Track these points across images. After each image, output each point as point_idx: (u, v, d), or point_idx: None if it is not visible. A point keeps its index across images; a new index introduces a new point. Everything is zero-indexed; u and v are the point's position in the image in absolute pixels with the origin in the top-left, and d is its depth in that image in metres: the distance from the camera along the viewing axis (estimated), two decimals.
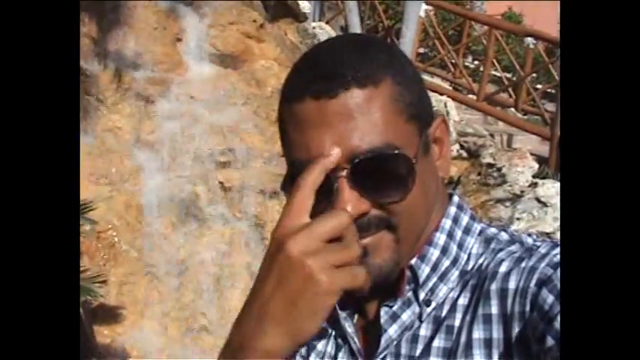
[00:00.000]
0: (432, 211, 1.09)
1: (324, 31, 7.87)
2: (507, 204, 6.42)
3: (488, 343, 1.00)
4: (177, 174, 6.00)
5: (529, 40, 8.59)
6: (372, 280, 1.03)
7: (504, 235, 1.10)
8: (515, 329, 0.97)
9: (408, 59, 1.16)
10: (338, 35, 1.31)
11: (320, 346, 1.17)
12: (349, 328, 1.12)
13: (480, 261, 1.07)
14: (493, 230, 1.11)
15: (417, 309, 1.07)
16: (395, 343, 1.07)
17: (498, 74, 10.05)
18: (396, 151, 1.02)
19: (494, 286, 1.00)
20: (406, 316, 1.08)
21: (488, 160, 6.73)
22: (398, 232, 1.05)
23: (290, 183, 1.04)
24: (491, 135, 7.80)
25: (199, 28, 7.02)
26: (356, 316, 1.13)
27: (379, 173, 1.02)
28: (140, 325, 5.18)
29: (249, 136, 6.45)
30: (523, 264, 0.99)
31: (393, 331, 1.08)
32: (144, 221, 5.60)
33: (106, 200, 5.52)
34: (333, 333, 1.15)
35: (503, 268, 1.02)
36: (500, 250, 1.05)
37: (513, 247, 1.05)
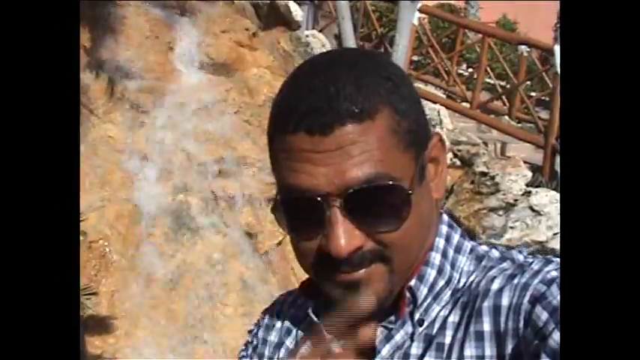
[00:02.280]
0: (428, 236, 1.07)
1: (317, 40, 7.86)
2: (501, 212, 6.41)
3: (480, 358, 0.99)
4: (169, 183, 5.98)
5: (523, 47, 8.59)
6: (364, 311, 1.02)
7: (495, 253, 1.09)
8: (509, 346, 0.96)
9: (406, 78, 1.11)
10: (333, 53, 1.25)
11: None
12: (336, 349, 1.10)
13: (471, 279, 1.06)
14: (484, 248, 1.10)
15: (411, 329, 1.06)
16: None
17: (492, 82, 10.06)
18: (391, 182, 0.99)
19: (486, 304, 0.99)
20: (399, 337, 1.06)
21: (481, 168, 6.72)
22: (392, 264, 1.03)
23: (281, 207, 1.03)
24: (485, 143, 7.79)
25: (192, 36, 7.01)
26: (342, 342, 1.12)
27: (373, 204, 1.00)
28: (132, 336, 5.15)
29: (242, 145, 6.44)
30: (515, 280, 0.98)
31: (385, 351, 1.06)
32: (135, 231, 5.57)
33: (97, 210, 5.50)
34: None
35: (495, 286, 1.00)
36: (492, 267, 1.04)
37: (505, 265, 1.04)
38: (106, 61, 6.56)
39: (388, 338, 1.06)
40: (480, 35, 8.97)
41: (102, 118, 6.24)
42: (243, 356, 1.29)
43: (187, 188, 6.01)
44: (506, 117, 8.91)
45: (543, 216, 6.33)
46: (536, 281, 0.96)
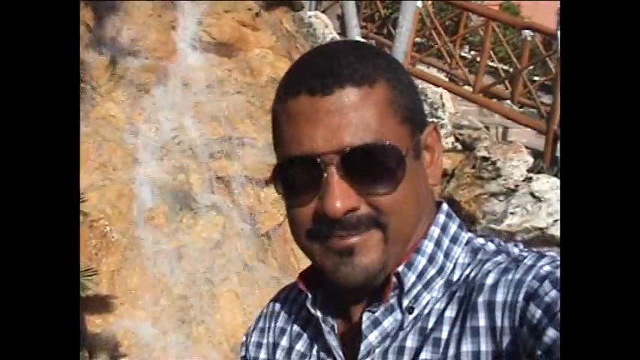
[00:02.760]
0: (422, 216, 1.08)
1: (320, 20, 7.82)
2: (501, 198, 6.39)
3: (476, 356, 0.99)
4: (170, 163, 5.97)
5: (526, 32, 8.55)
6: (357, 282, 1.03)
7: (491, 246, 1.09)
8: (505, 343, 0.97)
9: (404, 67, 1.17)
10: (336, 41, 1.32)
11: None
12: (333, 342, 1.11)
13: (467, 272, 1.06)
14: (480, 240, 1.11)
15: (400, 316, 1.06)
16: (379, 353, 1.07)
17: (495, 65, 10.01)
18: (387, 143, 1.02)
19: (481, 299, 1.00)
20: (388, 323, 1.07)
21: (483, 153, 6.70)
22: (387, 231, 1.04)
23: (279, 178, 1.06)
24: (487, 127, 7.77)
25: (194, 15, 6.98)
26: (336, 325, 1.12)
27: (369, 165, 1.01)
28: (132, 315, 5.16)
29: (243, 126, 6.42)
30: (510, 276, 0.99)
31: (373, 337, 1.07)
32: (136, 210, 5.58)
33: (98, 189, 5.49)
34: (316, 348, 1.15)
35: (489, 280, 1.01)
36: (487, 260, 1.05)
37: (499, 258, 1.05)
38: (108, 40, 6.53)
39: (375, 324, 1.07)
40: (484, 18, 8.93)
41: (104, 97, 6.23)
42: (242, 358, 1.31)
43: (188, 168, 6.00)
44: (509, 101, 8.87)
45: (544, 202, 6.32)
46: (529, 277, 0.97)
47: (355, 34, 8.27)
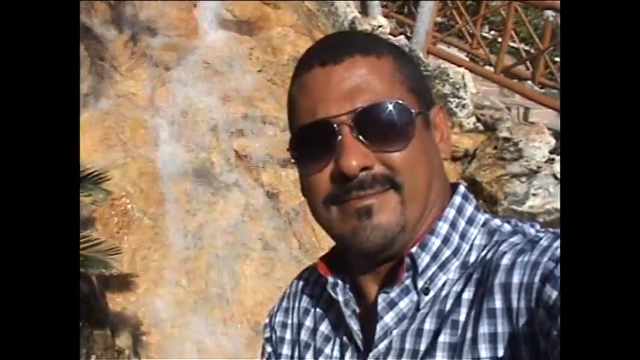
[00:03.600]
0: (436, 183, 1.10)
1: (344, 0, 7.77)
2: (523, 179, 6.36)
3: (493, 338, 0.99)
4: (192, 141, 5.96)
5: (549, 12, 8.46)
6: (377, 244, 1.04)
7: (507, 227, 1.11)
8: (521, 324, 0.97)
9: (410, 56, 1.22)
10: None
11: (327, 349, 1.18)
12: (355, 325, 1.12)
13: (483, 253, 1.07)
14: (497, 222, 1.12)
15: (415, 297, 1.08)
16: (398, 335, 1.07)
17: (515, 46, 9.93)
18: (396, 101, 1.07)
19: (497, 280, 1.01)
20: (403, 304, 1.09)
21: (504, 134, 6.65)
22: (403, 192, 1.07)
23: (295, 148, 1.11)
24: (508, 108, 7.71)
25: None
26: (357, 310, 1.13)
27: (380, 123, 1.06)
28: (153, 294, 5.18)
29: (265, 104, 6.40)
30: (526, 257, 0.99)
31: (389, 318, 1.09)
32: (158, 189, 5.58)
33: (120, 167, 5.49)
34: (339, 331, 1.16)
35: (505, 261, 1.01)
36: (503, 242, 1.05)
37: (515, 239, 1.06)
38: (129, 17, 6.51)
39: (391, 305, 1.08)
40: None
41: (125, 75, 6.22)
42: (267, 339, 1.31)
43: (210, 147, 6.00)
44: (529, 82, 8.81)
45: None
46: (545, 259, 0.97)
47: (377, 13, 8.22)
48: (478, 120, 7.05)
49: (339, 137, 1.05)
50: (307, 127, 1.08)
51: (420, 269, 1.08)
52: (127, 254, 5.14)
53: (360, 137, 1.05)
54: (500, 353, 0.98)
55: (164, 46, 6.47)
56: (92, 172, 4.31)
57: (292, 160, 1.13)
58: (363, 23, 7.48)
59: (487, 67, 8.62)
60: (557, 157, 6.36)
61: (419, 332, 1.06)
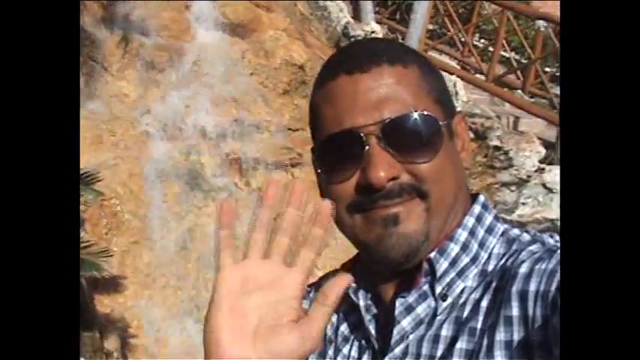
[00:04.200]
0: (460, 194, 1.10)
1: (335, 4, 7.76)
2: (513, 188, 6.39)
3: (509, 345, 0.98)
4: (182, 144, 5.93)
5: (540, 22, 8.50)
6: (401, 253, 1.03)
7: (526, 236, 1.10)
8: (537, 332, 0.97)
9: (432, 63, 1.22)
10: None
11: (345, 349, 1.17)
12: (373, 330, 1.11)
13: (502, 262, 1.07)
14: (516, 231, 1.12)
15: (433, 303, 1.08)
16: (414, 340, 1.07)
17: (507, 55, 9.96)
18: (424, 112, 1.06)
19: (514, 288, 1.00)
20: (421, 309, 1.08)
21: (495, 142, 6.69)
22: (429, 200, 1.05)
23: (320, 157, 1.10)
24: (498, 117, 7.74)
25: None
26: (377, 315, 1.13)
27: (408, 135, 1.05)
28: (141, 296, 5.14)
29: (256, 108, 6.38)
30: (543, 265, 0.99)
31: (406, 323, 1.09)
32: (147, 191, 5.54)
33: (110, 168, 5.45)
34: (357, 334, 1.16)
35: (523, 269, 1.01)
36: (522, 250, 1.05)
37: (534, 247, 1.05)
38: (120, 17, 6.48)
39: (409, 310, 1.08)
40: (496, 7, 8.87)
41: (116, 75, 6.18)
42: None
43: (200, 149, 5.97)
44: (520, 91, 8.84)
45: (555, 194, 6.32)
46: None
47: (370, 19, 8.22)
48: (469, 128, 7.07)
49: (367, 148, 1.04)
50: (333, 136, 1.06)
51: (438, 275, 1.08)
52: (115, 256, 5.10)
53: (388, 148, 1.04)
54: None
55: (156, 47, 6.44)
56: (83, 173, 4.28)
57: (317, 170, 1.12)
58: (356, 28, 7.48)
59: (478, 76, 8.64)
60: (547, 167, 6.39)
61: (436, 338, 1.06)
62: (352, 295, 1.13)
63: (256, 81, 6.63)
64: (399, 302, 1.08)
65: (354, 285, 1.13)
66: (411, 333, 1.07)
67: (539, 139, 7.18)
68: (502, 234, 1.12)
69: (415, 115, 1.05)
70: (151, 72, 6.26)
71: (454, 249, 1.08)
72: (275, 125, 6.23)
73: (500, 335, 0.99)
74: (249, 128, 6.24)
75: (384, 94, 1.06)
